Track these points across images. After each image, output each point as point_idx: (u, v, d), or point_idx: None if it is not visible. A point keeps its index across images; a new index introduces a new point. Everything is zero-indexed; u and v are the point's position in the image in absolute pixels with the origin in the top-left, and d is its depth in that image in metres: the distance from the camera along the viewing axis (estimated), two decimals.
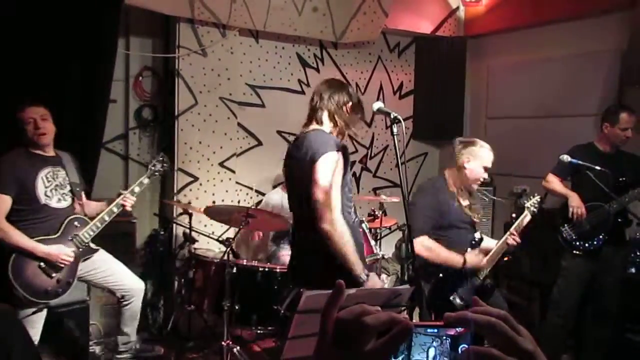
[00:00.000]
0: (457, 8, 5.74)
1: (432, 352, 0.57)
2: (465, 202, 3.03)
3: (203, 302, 3.86)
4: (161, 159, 3.44)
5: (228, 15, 4.49)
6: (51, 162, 3.12)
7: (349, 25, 5.05)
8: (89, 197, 3.60)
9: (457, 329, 0.58)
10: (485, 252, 3.04)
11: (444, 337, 0.58)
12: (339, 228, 2.29)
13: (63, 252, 2.97)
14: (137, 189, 3.26)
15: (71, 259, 3.01)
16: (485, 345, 0.56)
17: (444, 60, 5.64)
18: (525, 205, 3.15)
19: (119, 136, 4.63)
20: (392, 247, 5.55)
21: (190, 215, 4.13)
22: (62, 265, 2.99)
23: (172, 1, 4.27)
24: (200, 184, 4.63)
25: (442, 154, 6.07)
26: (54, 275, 2.98)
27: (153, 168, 3.39)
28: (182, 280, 4.16)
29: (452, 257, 2.92)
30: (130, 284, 3.52)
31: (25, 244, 2.87)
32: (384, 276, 4.99)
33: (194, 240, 4.19)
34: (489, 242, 3.14)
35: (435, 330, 0.58)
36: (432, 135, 5.85)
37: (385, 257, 4.83)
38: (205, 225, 4.48)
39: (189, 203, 4.38)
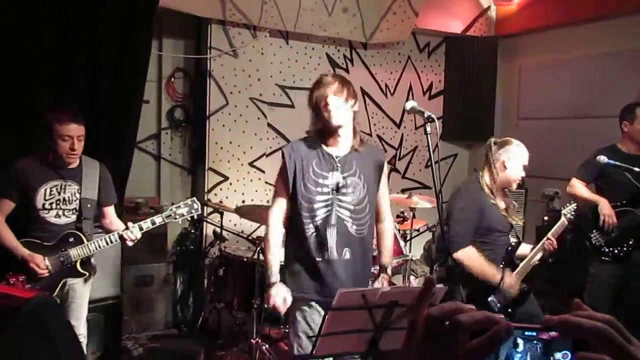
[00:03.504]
0: (489, 7, 5.66)
1: (521, 356, 0.54)
2: (502, 205, 2.92)
3: (233, 300, 3.87)
4: (190, 203, 2.99)
5: (259, 16, 4.52)
6: (64, 176, 2.88)
7: (379, 26, 5.03)
8: (122, 198, 3.58)
9: (550, 333, 0.54)
10: (521, 259, 2.96)
11: (535, 342, 0.54)
12: None
13: (39, 260, 2.75)
14: (145, 226, 2.90)
15: (44, 271, 2.76)
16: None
17: (475, 60, 5.58)
18: (562, 212, 3.06)
19: (151, 136, 4.70)
20: (420, 248, 5.50)
21: (222, 214, 4.16)
22: (35, 274, 2.76)
23: (204, 3, 4.32)
24: (231, 184, 4.68)
25: (471, 155, 5.99)
26: (33, 284, 2.80)
27: (175, 210, 2.95)
28: (212, 278, 4.19)
29: (490, 273, 2.79)
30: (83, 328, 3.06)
31: (8, 243, 2.76)
32: (412, 278, 4.95)
33: (224, 239, 4.21)
34: (524, 248, 3.05)
35: (534, 333, 0.54)
36: (461, 136, 5.78)
37: (414, 259, 4.79)
38: (235, 225, 4.50)
39: (221, 202, 4.41)
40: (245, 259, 3.86)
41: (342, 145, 2.49)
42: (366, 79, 5.37)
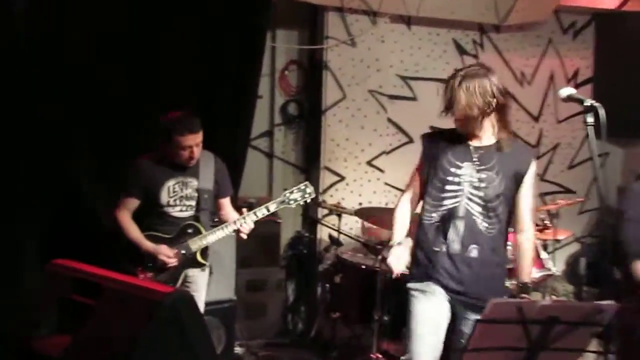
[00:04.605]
0: None
1: None
2: None
3: (350, 311, 3.75)
4: (304, 187, 3.03)
5: (379, 1, 4.36)
6: (184, 172, 2.99)
7: (514, 5, 4.63)
8: (235, 199, 3.57)
9: None
10: None
11: None
12: None
13: (164, 251, 2.91)
14: (260, 214, 2.96)
15: (171, 261, 2.92)
16: None
17: (633, 40, 4.91)
18: None
19: (264, 133, 4.68)
20: (561, 263, 4.95)
21: (339, 216, 4.06)
22: (164, 264, 2.92)
23: None
24: (347, 184, 4.57)
25: (628, 154, 5.30)
26: (155, 276, 2.97)
27: (289, 195, 3.00)
28: (327, 285, 4.12)
29: None
30: None
31: (135, 237, 2.95)
32: (553, 297, 4.39)
33: (340, 244, 4.12)
34: None
35: None
36: (615, 132, 4.96)
37: (556, 274, 4.22)
38: (352, 228, 4.37)
39: (339, 203, 4.28)
40: (364, 266, 3.71)
41: (483, 138, 2.45)
42: (498, 67, 4.95)
